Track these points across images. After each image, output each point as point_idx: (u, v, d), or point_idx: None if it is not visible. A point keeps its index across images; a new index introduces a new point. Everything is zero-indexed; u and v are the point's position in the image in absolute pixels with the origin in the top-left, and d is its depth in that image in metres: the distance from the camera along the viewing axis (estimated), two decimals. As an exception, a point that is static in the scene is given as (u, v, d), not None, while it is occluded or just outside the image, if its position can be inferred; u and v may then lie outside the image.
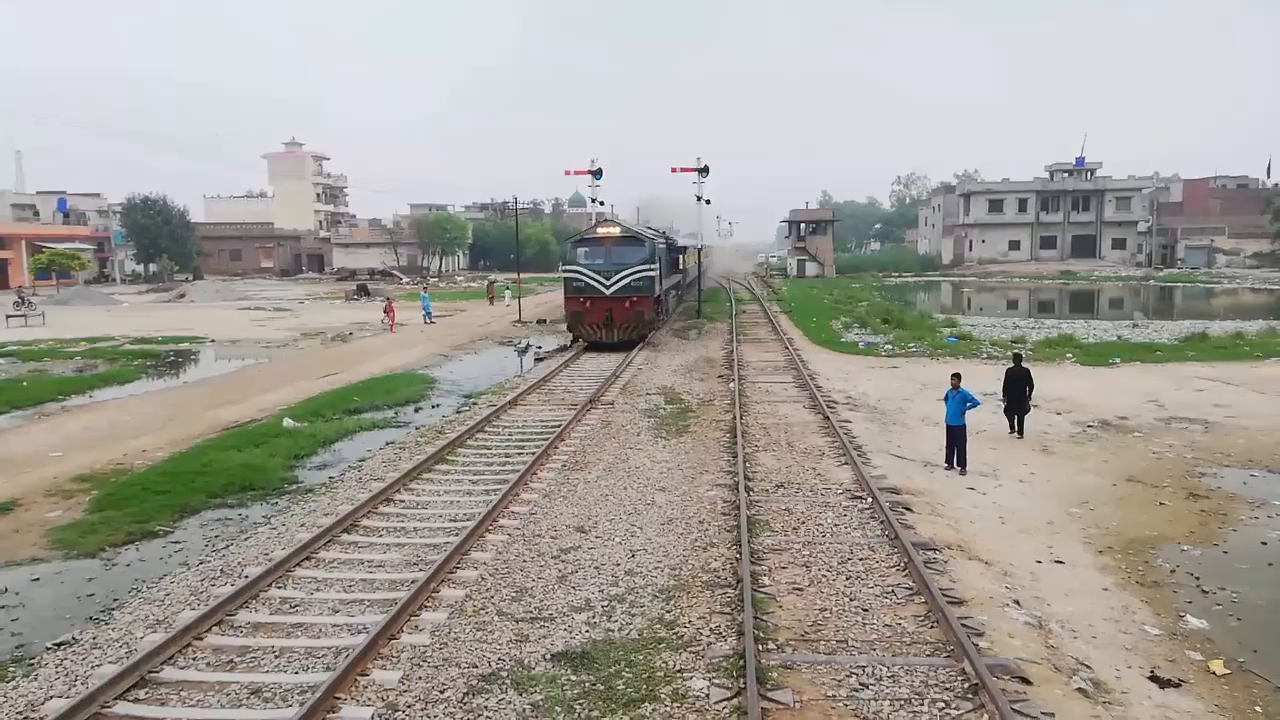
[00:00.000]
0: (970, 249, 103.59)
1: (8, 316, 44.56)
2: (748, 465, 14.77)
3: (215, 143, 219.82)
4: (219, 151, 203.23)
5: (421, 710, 7.35)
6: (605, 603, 9.46)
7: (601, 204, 43.04)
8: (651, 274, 30.36)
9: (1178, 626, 9.62)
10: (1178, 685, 8.22)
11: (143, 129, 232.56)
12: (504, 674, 7.91)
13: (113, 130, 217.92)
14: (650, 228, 39.63)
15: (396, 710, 7.35)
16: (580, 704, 7.39)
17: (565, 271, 30.80)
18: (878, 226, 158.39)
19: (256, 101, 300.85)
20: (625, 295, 30.04)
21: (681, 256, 49.52)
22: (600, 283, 30.01)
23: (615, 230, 31.47)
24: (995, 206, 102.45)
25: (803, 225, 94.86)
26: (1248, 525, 12.95)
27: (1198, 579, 10.96)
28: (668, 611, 9.20)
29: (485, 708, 7.37)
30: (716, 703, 7.37)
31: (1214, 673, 8.59)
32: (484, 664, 8.11)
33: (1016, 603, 9.70)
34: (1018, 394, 17.79)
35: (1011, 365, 18.24)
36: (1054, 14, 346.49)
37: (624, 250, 30.46)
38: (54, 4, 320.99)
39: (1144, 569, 11.26)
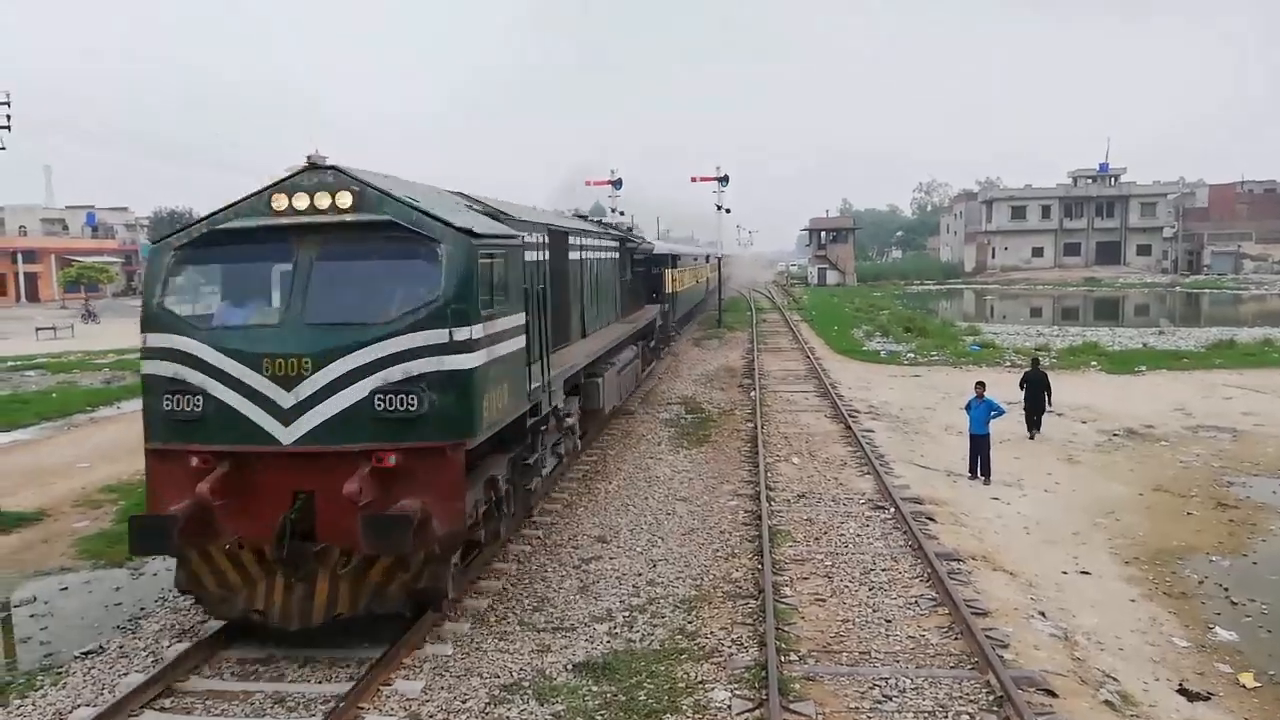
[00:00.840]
0: (993, 256, 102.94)
1: (38, 329, 45.24)
2: (769, 475, 14.72)
3: (216, 143, 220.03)
4: (221, 152, 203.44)
5: (444, 720, 7.37)
6: (627, 613, 9.46)
7: (622, 214, 42.60)
8: (467, 361, 8.23)
9: (1206, 638, 9.49)
10: (1207, 698, 8.11)
11: (141, 130, 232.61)
12: (525, 684, 7.93)
13: (114, 131, 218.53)
14: (586, 217, 22.27)
15: (419, 720, 7.37)
16: (602, 714, 7.39)
17: (148, 357, 8.50)
18: (899, 234, 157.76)
19: (256, 99, 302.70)
20: (337, 445, 7.94)
21: (669, 273, 29.80)
22: (260, 400, 8.03)
23: (336, 198, 8.38)
24: (1018, 213, 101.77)
25: (823, 233, 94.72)
26: (1278, 535, 12.77)
27: (1226, 590, 10.82)
28: (689, 622, 9.18)
29: (507, 718, 7.38)
30: (738, 714, 7.34)
31: (1244, 685, 8.47)
32: (505, 674, 8.13)
33: (1042, 614, 9.60)
34: (1034, 398, 17.97)
35: (1029, 369, 18.53)
36: (1058, 11, 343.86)
37: (364, 269, 8.55)
38: (45, 2, 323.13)
39: (1171, 580, 11.12)
